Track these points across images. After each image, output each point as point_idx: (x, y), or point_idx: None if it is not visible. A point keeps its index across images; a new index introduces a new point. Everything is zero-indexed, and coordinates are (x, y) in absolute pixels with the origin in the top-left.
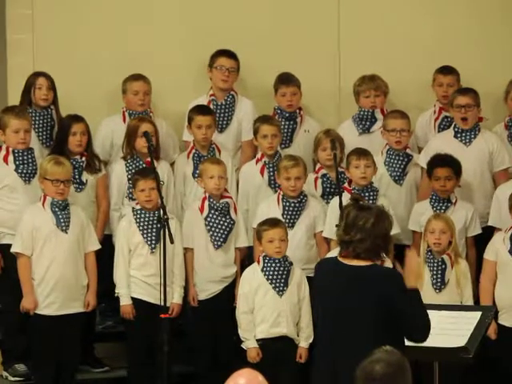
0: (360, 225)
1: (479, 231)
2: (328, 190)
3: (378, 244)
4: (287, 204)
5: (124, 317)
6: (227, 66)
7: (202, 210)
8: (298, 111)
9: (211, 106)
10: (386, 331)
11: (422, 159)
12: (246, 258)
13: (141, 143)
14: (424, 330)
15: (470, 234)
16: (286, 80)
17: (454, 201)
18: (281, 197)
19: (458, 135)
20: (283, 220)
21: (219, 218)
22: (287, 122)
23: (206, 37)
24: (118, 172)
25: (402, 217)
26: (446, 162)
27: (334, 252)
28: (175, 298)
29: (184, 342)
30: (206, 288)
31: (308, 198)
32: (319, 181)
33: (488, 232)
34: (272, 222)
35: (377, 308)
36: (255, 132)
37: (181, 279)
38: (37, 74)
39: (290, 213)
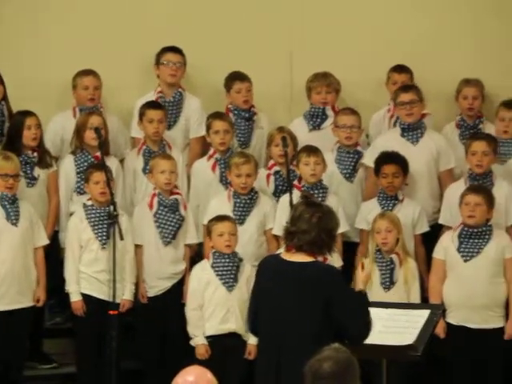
0: (306, 217)
1: (427, 228)
2: (280, 187)
3: (322, 238)
4: (238, 200)
5: (75, 313)
6: (174, 60)
7: (151, 206)
8: (253, 110)
9: None
10: (330, 330)
11: (368, 157)
12: (196, 256)
13: (90, 136)
14: (363, 330)
15: (417, 232)
16: (239, 76)
17: (401, 198)
18: (231, 193)
19: (405, 134)
20: (234, 216)
21: (168, 214)
22: (246, 123)
23: (155, 34)
24: (67, 167)
25: (352, 214)
26: (393, 159)
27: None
28: (126, 295)
29: (134, 338)
30: (156, 284)
31: (259, 195)
32: (271, 177)
33: (436, 231)
34: (221, 217)
35: (317, 307)
36: (207, 128)
37: (132, 276)
38: None
39: (240, 209)
